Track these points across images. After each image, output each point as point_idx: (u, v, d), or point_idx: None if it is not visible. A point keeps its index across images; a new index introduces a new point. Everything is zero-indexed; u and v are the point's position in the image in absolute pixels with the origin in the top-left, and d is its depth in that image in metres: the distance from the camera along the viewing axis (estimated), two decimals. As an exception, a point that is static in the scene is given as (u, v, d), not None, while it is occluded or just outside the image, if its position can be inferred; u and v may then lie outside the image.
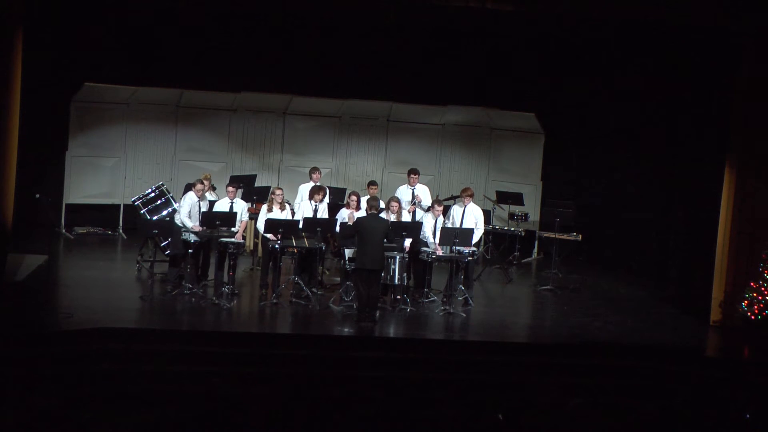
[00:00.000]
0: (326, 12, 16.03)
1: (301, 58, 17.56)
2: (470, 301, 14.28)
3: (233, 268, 13.91)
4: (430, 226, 14.23)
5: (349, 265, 13.73)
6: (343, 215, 14.33)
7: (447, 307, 13.85)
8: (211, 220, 13.76)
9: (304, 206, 14.55)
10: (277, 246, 13.72)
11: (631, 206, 17.75)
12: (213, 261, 14.31)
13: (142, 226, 14.87)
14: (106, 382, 11.21)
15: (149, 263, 14.78)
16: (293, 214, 14.60)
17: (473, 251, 14.31)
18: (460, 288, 14.24)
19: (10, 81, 13.36)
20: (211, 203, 14.59)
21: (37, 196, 14.41)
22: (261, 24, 16.95)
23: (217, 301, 13.46)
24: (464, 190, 14.83)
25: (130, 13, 16.25)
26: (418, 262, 14.19)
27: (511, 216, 17.79)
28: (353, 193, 14.83)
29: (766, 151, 13.94)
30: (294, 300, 13.79)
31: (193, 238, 13.66)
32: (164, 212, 15.14)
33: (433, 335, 13.17)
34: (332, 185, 17.20)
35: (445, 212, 14.82)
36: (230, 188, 14.51)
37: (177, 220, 14.10)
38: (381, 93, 18.48)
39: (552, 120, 18.66)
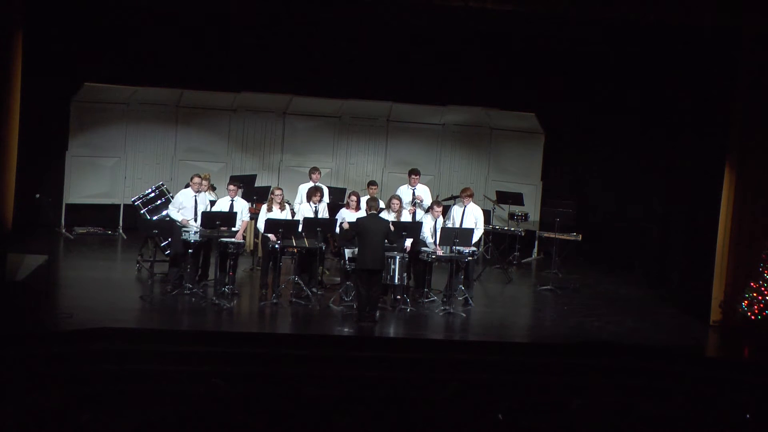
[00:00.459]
0: (326, 12, 16.03)
1: (301, 58, 17.56)
2: (470, 301, 14.28)
3: (233, 268, 13.93)
4: (430, 227, 14.23)
5: (349, 265, 13.74)
6: (343, 215, 14.33)
7: (447, 307, 13.85)
8: (211, 220, 13.77)
9: (303, 207, 14.54)
10: (277, 246, 13.72)
11: (631, 206, 17.77)
12: (213, 261, 14.31)
13: (142, 226, 14.88)
14: (106, 382, 11.21)
15: (149, 263, 14.79)
16: (293, 214, 14.60)
17: (473, 251, 14.32)
18: (460, 288, 14.25)
19: (10, 81, 13.37)
20: (211, 203, 14.60)
21: (37, 196, 14.46)
22: (261, 24, 16.95)
23: (217, 301, 13.46)
24: (464, 191, 14.83)
25: (130, 13, 16.26)
26: (418, 262, 14.19)
27: (511, 216, 17.79)
28: (353, 193, 14.83)
29: (766, 151, 13.94)
30: (294, 300, 13.79)
31: (193, 238, 13.66)
32: (164, 212, 15.13)
33: (433, 335, 13.18)
34: (332, 185, 17.19)
35: (445, 212, 14.83)
36: (231, 187, 14.51)
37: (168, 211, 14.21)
38: (381, 93, 18.49)
39: (552, 120, 18.66)
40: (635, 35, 15.61)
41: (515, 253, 17.53)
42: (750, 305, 13.59)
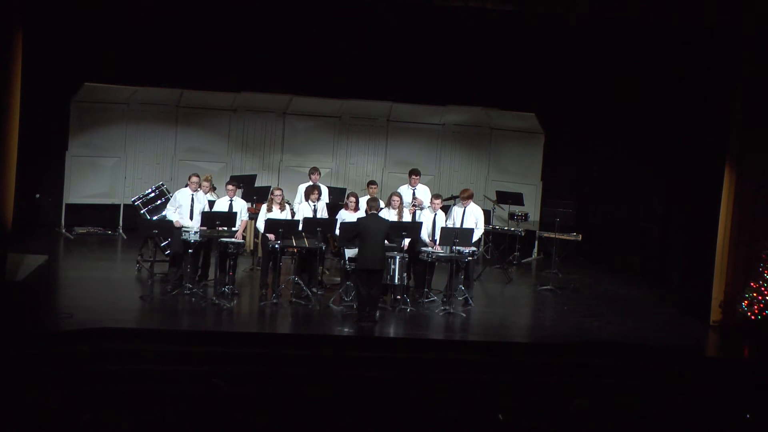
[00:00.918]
0: (326, 12, 16.03)
1: (301, 58, 17.56)
2: (470, 301, 14.28)
3: (233, 268, 13.93)
4: (429, 221, 14.25)
5: (349, 265, 13.74)
6: (343, 216, 14.33)
7: (447, 307, 13.85)
8: (211, 220, 13.77)
9: (303, 207, 14.55)
10: (277, 246, 13.72)
11: (631, 206, 17.76)
12: (213, 261, 14.31)
13: (142, 226, 14.88)
14: (106, 382, 11.20)
15: (149, 263, 14.79)
16: (293, 214, 14.60)
17: (473, 251, 14.32)
18: (460, 288, 14.25)
19: (10, 81, 13.37)
20: (211, 203, 14.60)
21: (37, 196, 14.46)
22: (261, 24, 16.94)
23: (217, 301, 13.46)
24: (463, 192, 14.82)
25: (130, 13, 16.25)
26: (418, 262, 14.19)
27: (511, 216, 17.79)
28: (352, 194, 14.82)
29: (766, 152, 13.94)
30: (294, 300, 13.79)
31: (193, 238, 13.66)
32: (164, 212, 15.14)
33: (433, 335, 13.17)
34: (332, 185, 17.19)
35: (446, 212, 14.83)
36: (230, 186, 14.51)
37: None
38: (381, 93, 18.49)
39: (552, 120, 18.66)
40: (635, 35, 15.61)
41: (515, 253, 17.53)
42: (750, 305, 13.59)
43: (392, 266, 13.54)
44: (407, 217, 14.58)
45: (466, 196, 14.63)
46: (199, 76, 17.67)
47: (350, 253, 13.71)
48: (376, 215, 13.52)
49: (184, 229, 13.83)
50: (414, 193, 15.34)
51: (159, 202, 15.44)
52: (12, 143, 13.60)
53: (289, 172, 18.77)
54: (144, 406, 10.59)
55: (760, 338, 13.45)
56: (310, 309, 13.58)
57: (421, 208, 15.01)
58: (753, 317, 13.58)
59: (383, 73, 17.88)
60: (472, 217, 14.58)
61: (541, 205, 18.22)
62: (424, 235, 14.18)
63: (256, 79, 17.99)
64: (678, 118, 16.36)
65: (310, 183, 15.18)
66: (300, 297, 13.83)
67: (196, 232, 13.72)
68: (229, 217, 13.91)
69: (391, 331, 13.15)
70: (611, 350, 12.79)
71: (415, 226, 14.10)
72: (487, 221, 15.91)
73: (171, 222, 14.13)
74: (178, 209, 14.12)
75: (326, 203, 15.04)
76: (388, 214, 14.07)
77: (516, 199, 17.83)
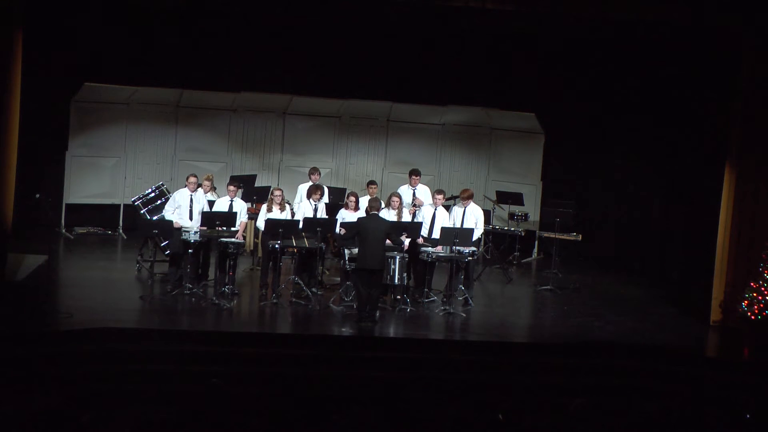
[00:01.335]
0: (326, 12, 16.03)
1: (301, 58, 17.56)
2: (470, 301, 14.28)
3: (233, 268, 13.93)
4: (428, 216, 14.25)
5: (349, 265, 13.73)
6: (343, 216, 14.33)
7: (447, 307, 13.85)
8: (211, 220, 13.77)
9: (304, 206, 14.56)
10: (277, 246, 13.71)
11: (631, 206, 17.77)
12: (213, 261, 14.31)
13: (142, 226, 14.88)
14: (106, 382, 11.20)
15: (149, 263, 14.80)
16: (293, 214, 14.60)
17: (473, 251, 14.32)
18: (460, 288, 14.25)
19: (10, 81, 13.37)
20: (211, 203, 14.60)
21: (37, 196, 14.42)
22: (261, 24, 16.95)
23: (217, 301, 13.46)
24: (463, 191, 14.83)
25: (130, 12, 16.25)
26: (418, 262, 14.19)
27: (511, 216, 17.79)
28: (351, 193, 14.82)
29: (766, 153, 13.93)
30: (294, 300, 13.79)
31: (193, 238, 13.66)
32: (163, 212, 15.13)
33: (433, 335, 13.17)
34: (332, 185, 17.19)
35: (446, 211, 14.83)
36: (231, 187, 14.53)
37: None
38: (381, 93, 18.49)
39: (552, 120, 18.66)
40: (635, 35, 15.61)
41: (515, 253, 17.53)
42: (750, 305, 13.59)
43: (392, 266, 13.54)
44: (407, 218, 14.58)
45: (466, 196, 14.64)
46: (199, 76, 17.67)
47: (350, 252, 13.67)
48: (377, 215, 13.51)
49: (184, 229, 13.83)
50: (414, 194, 15.34)
51: (159, 202, 15.44)
52: (12, 143, 13.60)
53: (289, 172, 18.77)
54: (144, 406, 10.58)
55: (760, 338, 13.45)
56: (310, 309, 13.58)
57: (421, 208, 15.01)
58: (753, 317, 13.57)
59: (383, 73, 17.89)
60: (472, 217, 14.58)
61: (541, 205, 18.22)
62: (423, 231, 14.19)
63: (256, 79, 18.00)
64: (678, 118, 16.36)
65: (310, 183, 15.18)
66: (300, 297, 13.83)
67: (196, 232, 13.72)
68: (229, 217, 13.91)
69: (391, 331, 13.15)
70: (611, 350, 12.79)
71: (415, 226, 14.11)
72: (487, 221, 15.92)
73: (171, 222, 14.12)
74: (176, 210, 14.12)
75: (326, 203, 15.04)
76: (388, 215, 14.07)
77: (516, 199, 17.83)
